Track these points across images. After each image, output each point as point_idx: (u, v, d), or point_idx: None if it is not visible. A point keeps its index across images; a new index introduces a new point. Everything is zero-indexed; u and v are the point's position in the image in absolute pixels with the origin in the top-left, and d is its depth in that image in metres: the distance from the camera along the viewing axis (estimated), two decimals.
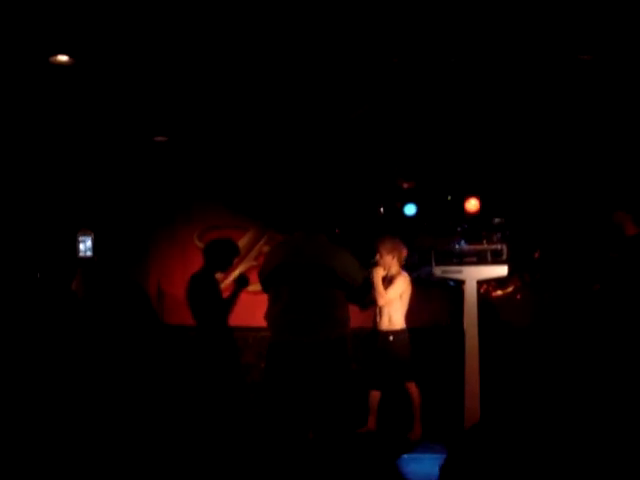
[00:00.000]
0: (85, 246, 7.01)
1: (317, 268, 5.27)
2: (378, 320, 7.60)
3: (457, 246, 7.63)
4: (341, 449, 5.28)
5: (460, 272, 7.33)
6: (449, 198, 8.21)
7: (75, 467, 4.98)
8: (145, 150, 8.61)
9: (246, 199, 9.16)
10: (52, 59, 6.07)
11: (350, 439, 5.57)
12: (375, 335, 7.65)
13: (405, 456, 7.09)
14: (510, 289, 8.82)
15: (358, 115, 6.90)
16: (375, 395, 7.73)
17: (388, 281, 7.50)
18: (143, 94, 6.98)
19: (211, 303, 6.41)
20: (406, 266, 7.74)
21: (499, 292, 8.81)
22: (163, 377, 6.55)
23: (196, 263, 7.00)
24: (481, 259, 7.31)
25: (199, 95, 6.99)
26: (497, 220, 8.39)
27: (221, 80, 6.58)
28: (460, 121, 7.86)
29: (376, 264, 7.40)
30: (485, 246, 7.46)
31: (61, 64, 6.16)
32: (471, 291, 6.97)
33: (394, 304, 7.51)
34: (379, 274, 7.40)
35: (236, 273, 8.10)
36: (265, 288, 5.55)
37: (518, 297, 8.87)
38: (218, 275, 6.69)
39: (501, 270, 7.38)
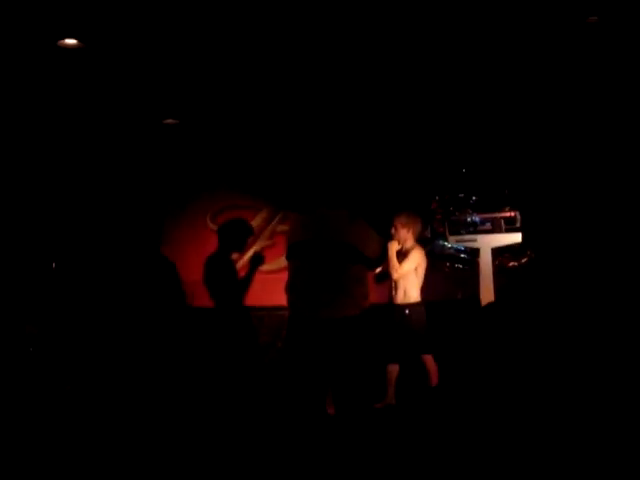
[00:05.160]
0: None
1: (338, 246, 5.28)
2: (394, 294, 7.60)
3: (470, 216, 7.62)
4: (361, 424, 5.30)
5: (475, 240, 7.32)
6: (464, 170, 8.20)
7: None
8: (155, 133, 8.60)
9: (258, 179, 9.16)
10: (60, 43, 6.07)
11: (369, 413, 5.59)
12: (391, 309, 7.66)
13: None
14: (524, 260, 8.80)
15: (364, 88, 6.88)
16: (393, 369, 7.74)
17: (403, 255, 7.50)
18: (152, 77, 6.98)
19: (228, 283, 6.42)
20: (419, 240, 7.74)
21: (514, 263, 8.79)
22: (184, 356, 6.57)
23: (210, 245, 7.01)
24: (495, 227, 7.31)
25: (209, 76, 6.98)
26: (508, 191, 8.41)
27: (231, 59, 6.57)
28: (472, 94, 7.85)
29: (391, 238, 7.41)
30: (498, 214, 7.45)
31: (70, 47, 6.16)
32: (486, 260, 6.96)
33: (409, 278, 7.50)
34: (394, 248, 7.39)
35: (250, 253, 8.11)
36: (287, 259, 5.57)
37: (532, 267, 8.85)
38: (233, 255, 6.71)
39: (515, 237, 7.37)
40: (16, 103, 7.37)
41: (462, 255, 8.46)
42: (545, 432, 6.03)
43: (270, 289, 7.53)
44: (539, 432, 6.08)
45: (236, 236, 6.55)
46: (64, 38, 5.98)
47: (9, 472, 4.16)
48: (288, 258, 5.53)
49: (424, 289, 7.64)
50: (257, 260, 6.66)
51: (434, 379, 7.58)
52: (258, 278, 6.63)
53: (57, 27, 5.78)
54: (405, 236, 7.50)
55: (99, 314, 7.09)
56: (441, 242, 8.39)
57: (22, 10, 5.42)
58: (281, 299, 5.66)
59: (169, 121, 8.30)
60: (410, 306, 7.54)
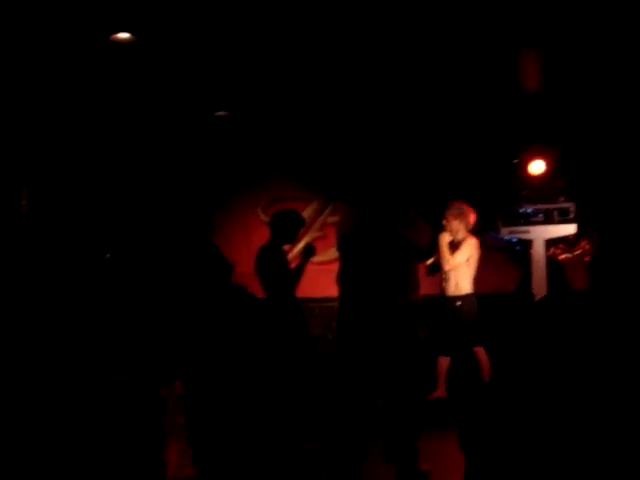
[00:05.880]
0: None
1: (389, 238, 5.27)
2: (445, 286, 7.56)
3: (523, 207, 7.51)
4: (411, 415, 5.28)
5: (528, 232, 7.20)
6: (515, 161, 8.10)
7: None
8: (206, 126, 8.65)
9: (309, 171, 9.17)
10: (113, 37, 6.12)
11: (420, 406, 5.57)
12: (443, 301, 7.62)
13: None
14: (578, 251, 8.67)
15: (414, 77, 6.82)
16: (444, 362, 7.71)
17: (455, 246, 7.45)
18: (204, 69, 7.01)
19: (280, 275, 6.44)
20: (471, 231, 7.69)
21: (567, 255, 8.66)
22: (236, 347, 6.61)
23: (261, 236, 7.04)
24: (548, 218, 7.17)
25: (260, 68, 6.99)
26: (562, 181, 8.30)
27: (281, 51, 6.57)
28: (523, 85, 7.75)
29: (443, 229, 7.37)
30: (552, 205, 7.32)
31: (122, 42, 6.21)
32: (539, 251, 6.86)
33: (461, 269, 7.45)
34: (445, 239, 7.36)
35: (301, 244, 8.13)
36: (338, 250, 5.57)
37: (587, 260, 8.71)
38: (285, 247, 6.73)
39: (569, 228, 7.24)
40: (70, 97, 7.46)
41: (515, 247, 8.37)
42: (602, 434, 5.93)
43: (321, 280, 7.53)
44: (594, 435, 5.98)
45: (288, 227, 6.57)
46: (116, 32, 6.03)
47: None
48: (339, 249, 5.53)
49: (476, 281, 7.58)
50: (309, 251, 6.67)
51: (486, 372, 7.52)
52: (309, 269, 6.63)
53: (109, 22, 5.83)
54: (457, 227, 7.45)
55: (152, 303, 7.17)
56: (493, 233, 8.31)
57: (75, 6, 5.47)
58: (332, 290, 5.66)
59: (220, 113, 8.34)
60: (462, 298, 7.49)
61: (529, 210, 7.54)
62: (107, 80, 7.15)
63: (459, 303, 7.48)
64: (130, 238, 8.84)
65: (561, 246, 8.58)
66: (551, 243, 8.15)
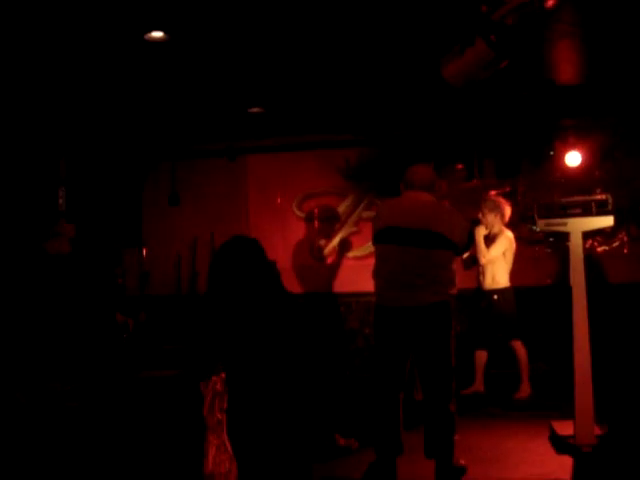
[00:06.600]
0: None
1: (425, 233, 5.25)
2: (482, 279, 7.55)
3: (559, 200, 7.45)
4: (448, 410, 5.28)
5: (565, 224, 7.10)
6: (552, 153, 8.05)
7: None
8: (240, 121, 8.68)
9: (344, 165, 9.15)
10: (147, 36, 6.14)
11: (456, 400, 5.55)
12: (479, 294, 7.60)
13: None
14: (616, 243, 8.59)
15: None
16: (481, 355, 7.69)
17: (491, 239, 7.43)
18: (237, 66, 7.02)
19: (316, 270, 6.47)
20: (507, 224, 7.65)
21: (605, 247, 8.59)
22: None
23: (296, 232, 7.06)
24: (586, 210, 7.09)
25: (293, 62, 6.98)
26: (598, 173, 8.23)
27: (313, 45, 6.56)
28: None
29: (479, 223, 7.35)
30: (589, 197, 7.24)
31: (156, 41, 6.23)
32: (577, 244, 6.75)
33: (497, 263, 7.44)
34: (481, 233, 7.35)
35: (337, 239, 8.13)
36: (374, 243, 5.57)
37: (625, 252, 8.64)
38: (320, 242, 6.75)
39: (607, 221, 7.14)
40: (107, 98, 7.53)
41: (551, 239, 8.31)
42: None
43: (358, 275, 7.54)
44: None
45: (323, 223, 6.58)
46: (151, 31, 6.04)
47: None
48: (375, 243, 5.53)
49: (512, 274, 7.55)
50: (344, 246, 6.68)
51: (523, 365, 7.49)
52: (345, 264, 6.65)
53: (144, 20, 5.85)
54: (492, 221, 7.44)
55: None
56: (529, 226, 8.27)
57: (109, 4, 5.49)
58: (368, 285, 5.66)
59: (254, 110, 8.36)
60: (498, 291, 7.48)
61: (566, 202, 7.47)
62: (140, 78, 7.20)
63: (496, 297, 7.47)
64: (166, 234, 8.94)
65: (598, 238, 8.51)
66: (588, 235, 8.08)
